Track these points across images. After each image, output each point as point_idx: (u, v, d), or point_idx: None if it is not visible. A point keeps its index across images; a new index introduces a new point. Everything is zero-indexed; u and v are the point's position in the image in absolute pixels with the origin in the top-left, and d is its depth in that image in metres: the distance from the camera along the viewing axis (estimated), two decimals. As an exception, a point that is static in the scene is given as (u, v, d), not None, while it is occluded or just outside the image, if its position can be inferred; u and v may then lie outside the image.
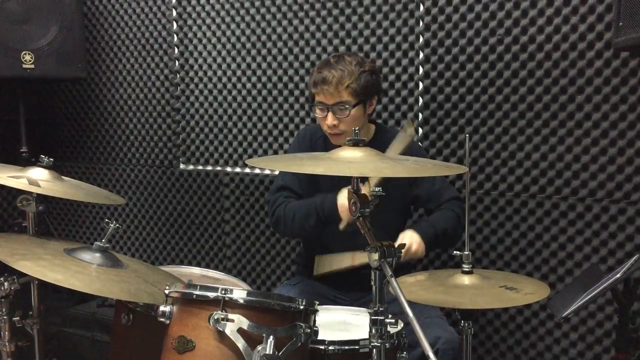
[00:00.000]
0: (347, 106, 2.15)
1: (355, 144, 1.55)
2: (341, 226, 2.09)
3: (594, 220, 2.46)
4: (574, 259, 2.51)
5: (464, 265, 1.79)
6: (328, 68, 2.17)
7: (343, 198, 2.07)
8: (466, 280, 1.76)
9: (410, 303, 1.41)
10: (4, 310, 1.97)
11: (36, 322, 2.09)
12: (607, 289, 1.67)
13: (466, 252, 1.78)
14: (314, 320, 1.65)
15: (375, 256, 1.45)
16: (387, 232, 2.16)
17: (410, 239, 2.12)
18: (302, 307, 1.58)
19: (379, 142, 2.16)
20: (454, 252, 1.82)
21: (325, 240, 2.30)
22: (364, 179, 1.87)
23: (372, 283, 1.48)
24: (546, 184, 2.53)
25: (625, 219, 2.40)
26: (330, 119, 2.17)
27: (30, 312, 2.11)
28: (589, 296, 1.66)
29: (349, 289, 2.31)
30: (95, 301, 3.14)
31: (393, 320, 1.50)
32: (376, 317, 1.48)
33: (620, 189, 2.40)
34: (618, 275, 1.64)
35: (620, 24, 1.90)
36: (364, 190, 1.51)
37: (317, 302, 1.66)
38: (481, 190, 2.63)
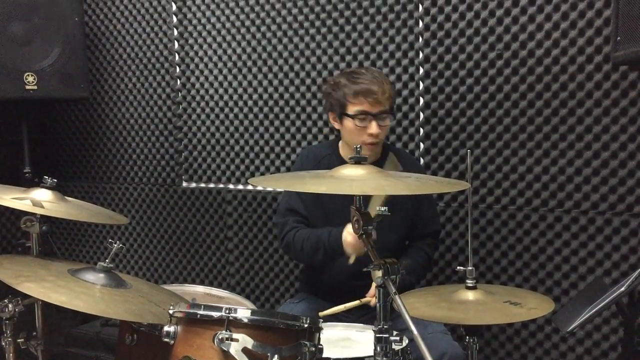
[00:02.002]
0: (389, 115, 2.22)
1: (358, 161, 1.56)
2: (350, 261, 2.11)
3: (597, 233, 2.45)
4: (577, 272, 2.50)
5: (467, 281, 1.78)
6: (369, 78, 2.21)
7: (347, 234, 2.10)
8: (470, 295, 1.76)
9: (414, 319, 1.41)
10: (8, 332, 1.96)
11: (40, 343, 2.08)
12: (612, 303, 1.67)
13: (470, 268, 1.77)
14: (319, 338, 1.65)
15: (379, 274, 1.44)
16: (389, 250, 2.17)
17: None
18: (306, 326, 1.58)
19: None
20: (457, 267, 1.82)
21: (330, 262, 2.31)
22: (368, 198, 1.86)
23: (376, 300, 1.48)
24: (548, 197, 2.53)
25: (629, 231, 2.40)
26: (375, 128, 2.20)
27: (34, 333, 2.10)
28: (594, 310, 1.66)
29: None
30: (99, 320, 3.13)
31: (398, 338, 1.49)
32: (381, 335, 1.47)
33: (623, 201, 2.40)
34: (622, 289, 1.64)
35: (618, 38, 1.92)
36: (370, 210, 1.52)
37: (322, 320, 1.66)
38: (483, 204, 2.64)
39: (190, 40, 3.23)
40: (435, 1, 2.63)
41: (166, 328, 1.58)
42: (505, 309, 1.70)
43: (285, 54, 2.98)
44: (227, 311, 1.52)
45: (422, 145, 2.73)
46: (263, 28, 3.03)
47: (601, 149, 2.42)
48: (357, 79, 2.23)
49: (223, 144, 3.20)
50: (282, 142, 3.04)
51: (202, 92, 3.23)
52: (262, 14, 3.02)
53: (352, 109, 2.22)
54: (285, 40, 2.98)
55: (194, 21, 3.21)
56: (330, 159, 2.31)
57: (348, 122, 2.23)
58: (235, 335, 1.50)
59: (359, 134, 2.23)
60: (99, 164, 3.63)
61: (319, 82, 2.90)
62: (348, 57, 2.84)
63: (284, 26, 2.97)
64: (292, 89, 2.99)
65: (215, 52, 3.17)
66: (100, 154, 3.62)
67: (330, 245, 2.18)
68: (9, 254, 3.44)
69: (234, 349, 1.49)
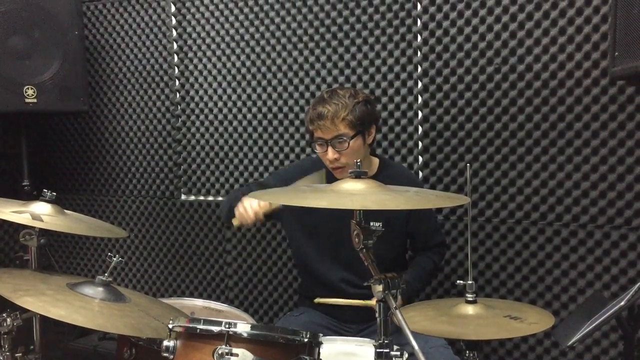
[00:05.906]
0: (346, 138, 2.14)
1: (358, 176, 1.56)
2: (234, 224, 2.16)
3: (596, 247, 2.46)
4: (577, 286, 2.50)
5: (467, 295, 1.78)
6: (322, 104, 2.17)
7: (245, 200, 2.13)
8: (470, 310, 1.75)
9: (415, 333, 1.40)
10: (6, 346, 1.95)
11: (38, 357, 2.08)
12: (612, 317, 1.66)
13: (469, 282, 1.77)
14: (319, 353, 1.64)
15: (379, 288, 1.44)
16: (385, 264, 2.16)
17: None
18: (306, 340, 1.58)
19: (383, 177, 2.18)
20: (457, 281, 1.82)
21: (322, 272, 2.32)
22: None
23: (377, 315, 1.48)
24: (547, 211, 2.53)
25: (627, 245, 2.40)
26: (330, 154, 2.16)
27: (32, 347, 2.09)
28: (594, 324, 1.66)
29: (353, 319, 2.30)
30: (96, 334, 3.11)
31: (398, 353, 1.49)
32: (381, 350, 1.47)
33: (621, 214, 2.41)
34: (622, 303, 1.64)
35: (616, 53, 1.93)
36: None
37: (322, 334, 1.65)
38: (482, 217, 2.64)
39: (190, 54, 3.24)
40: (433, 16, 2.65)
41: (165, 342, 1.58)
42: (505, 323, 1.69)
43: (284, 68, 3.00)
44: (227, 325, 1.52)
45: (420, 159, 2.74)
46: (262, 42, 3.04)
47: (599, 162, 2.43)
48: (314, 105, 2.21)
49: (222, 156, 3.20)
50: (281, 156, 3.05)
51: (201, 105, 3.24)
52: (262, 28, 3.03)
53: (314, 136, 2.22)
54: (284, 53, 2.99)
55: (194, 35, 3.22)
56: (328, 172, 2.30)
57: (315, 147, 2.23)
58: (235, 350, 1.50)
59: (323, 160, 2.23)
60: (98, 177, 3.63)
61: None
62: (347, 71, 2.85)
63: (283, 40, 2.99)
64: (290, 102, 3.00)
65: (214, 65, 3.18)
66: (100, 167, 3.61)
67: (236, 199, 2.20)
68: (7, 267, 3.43)
69: (234, 363, 1.48)
